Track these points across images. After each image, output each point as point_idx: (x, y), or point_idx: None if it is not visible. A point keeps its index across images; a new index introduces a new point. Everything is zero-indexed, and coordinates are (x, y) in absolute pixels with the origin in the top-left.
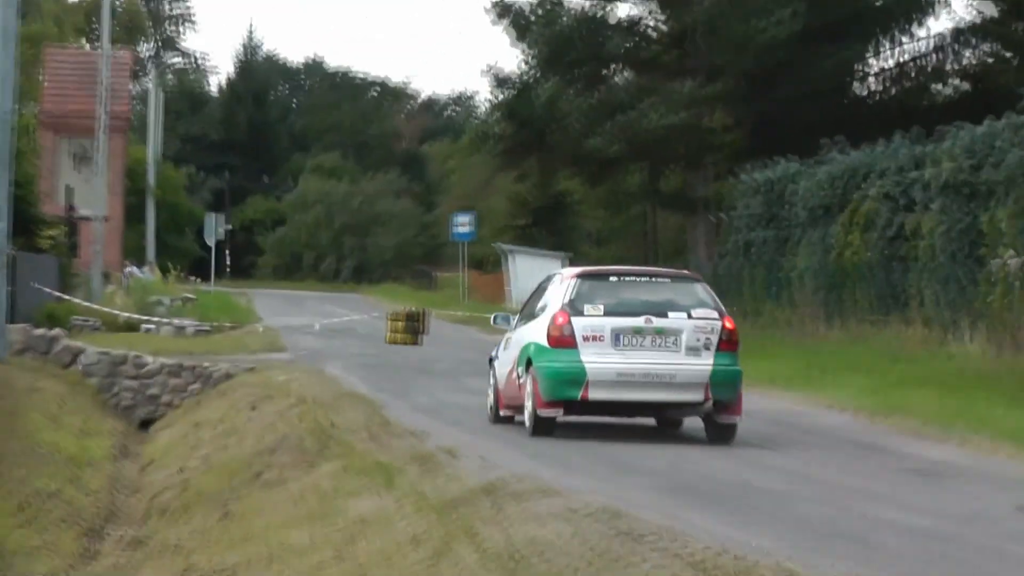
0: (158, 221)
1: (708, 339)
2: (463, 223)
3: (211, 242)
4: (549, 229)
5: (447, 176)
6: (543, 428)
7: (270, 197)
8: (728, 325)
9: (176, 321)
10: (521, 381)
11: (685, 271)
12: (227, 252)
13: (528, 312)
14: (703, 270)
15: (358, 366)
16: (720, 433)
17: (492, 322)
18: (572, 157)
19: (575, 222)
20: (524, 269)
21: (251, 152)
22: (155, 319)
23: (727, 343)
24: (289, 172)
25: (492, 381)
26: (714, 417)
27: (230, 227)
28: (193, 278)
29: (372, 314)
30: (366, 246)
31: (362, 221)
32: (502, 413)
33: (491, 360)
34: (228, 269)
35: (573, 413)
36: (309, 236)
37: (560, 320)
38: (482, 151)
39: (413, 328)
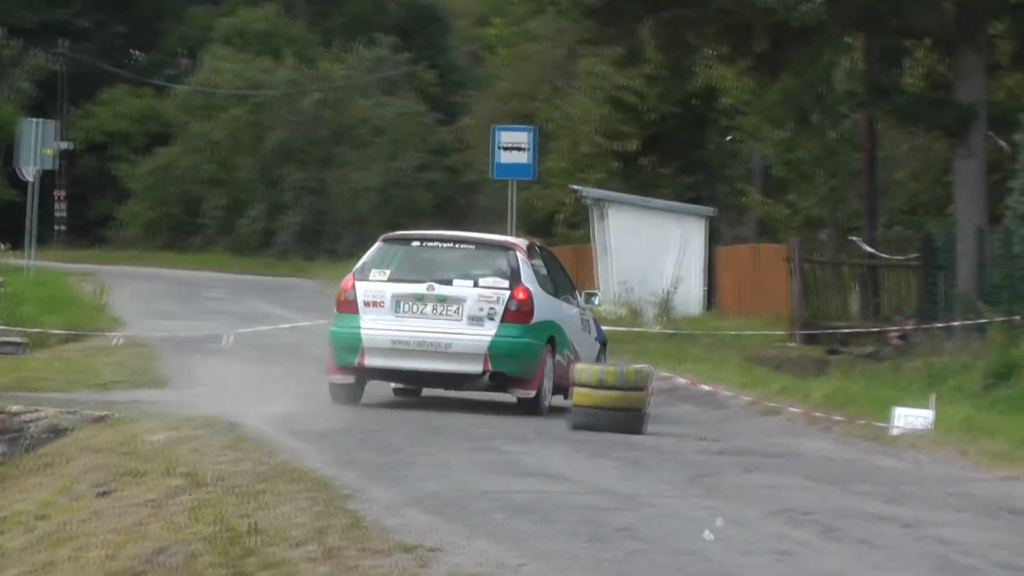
0: None
1: (493, 309)
2: (514, 146)
3: (29, 174)
4: (679, 162)
5: (485, 56)
6: (339, 396)
7: (144, 91)
8: (519, 296)
9: None
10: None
11: (502, 238)
12: (60, 195)
13: None
14: (968, 244)
15: (305, 417)
16: (524, 408)
17: None
18: (726, 23)
19: (729, 147)
20: (627, 232)
21: (109, 3)
22: None
23: (515, 314)
24: (181, 43)
25: None
26: (507, 390)
27: (68, 146)
28: None
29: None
30: (326, 187)
31: (321, 138)
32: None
33: None
34: (61, 227)
35: (359, 378)
36: (218, 166)
37: (346, 285)
38: (555, 8)
39: None
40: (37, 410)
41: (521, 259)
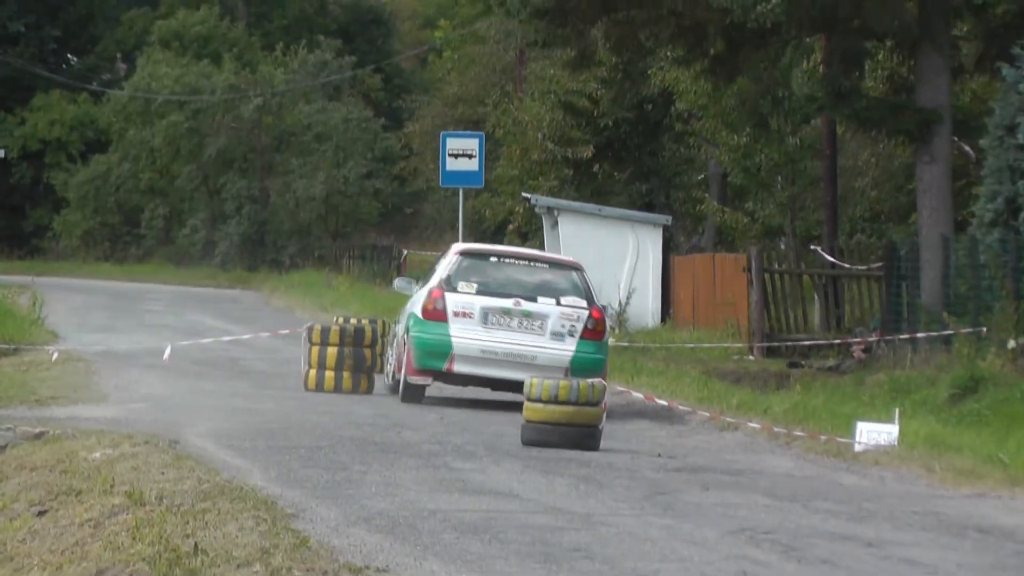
0: None
1: (573, 326)
2: (463, 153)
3: None
4: (633, 168)
5: (431, 59)
6: (412, 395)
7: (79, 96)
8: (595, 315)
9: None
10: (406, 347)
11: (567, 259)
12: None
13: (425, 280)
14: (933, 255)
15: (249, 434)
16: None
17: (394, 286)
18: (680, 24)
19: (684, 154)
20: (580, 241)
21: (42, 5)
22: None
23: (592, 332)
24: (117, 46)
25: (393, 345)
26: None
27: (1, 154)
28: None
29: (279, 331)
30: (268, 196)
31: (262, 145)
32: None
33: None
34: None
35: (441, 381)
36: (157, 175)
37: (435, 294)
38: (503, 9)
39: (360, 359)
40: None
41: (588, 279)
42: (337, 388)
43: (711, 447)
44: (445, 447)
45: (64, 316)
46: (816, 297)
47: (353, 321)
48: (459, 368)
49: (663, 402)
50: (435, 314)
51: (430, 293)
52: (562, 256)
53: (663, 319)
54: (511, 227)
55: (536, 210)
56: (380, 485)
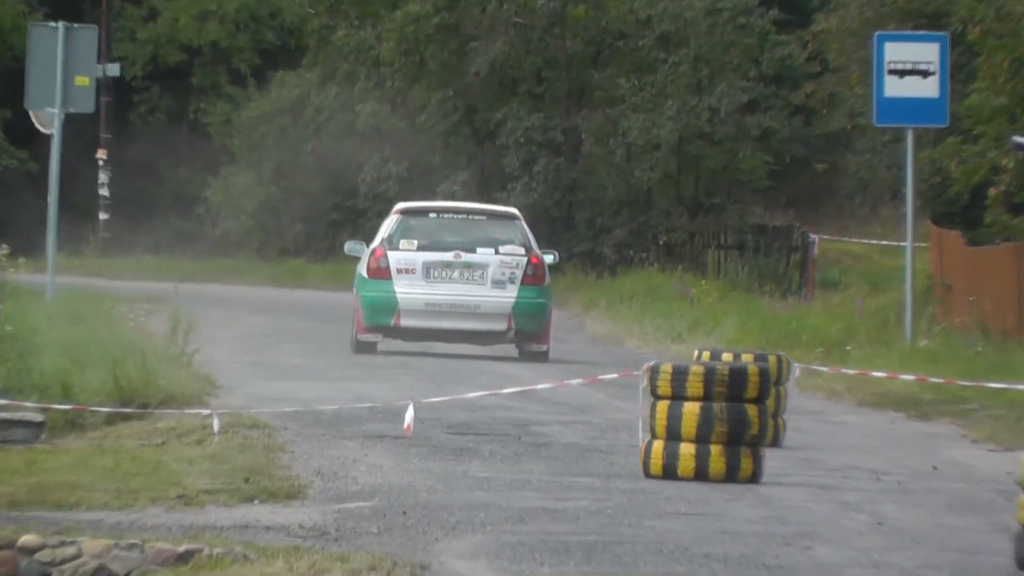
0: None
1: (513, 273)
2: (912, 68)
3: (47, 123)
4: None
5: None
6: (363, 349)
7: None
8: (534, 260)
9: None
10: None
11: (505, 208)
12: (102, 159)
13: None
14: None
15: (549, 552)
16: (531, 358)
17: (345, 249)
18: None
19: None
20: None
21: None
22: None
23: (532, 278)
24: None
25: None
26: (520, 345)
27: (117, 70)
28: None
29: (598, 376)
30: (578, 142)
31: (565, 58)
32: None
33: None
34: (104, 215)
35: (391, 337)
36: (383, 104)
37: (378, 253)
38: None
39: (740, 423)
40: (70, 543)
41: (526, 227)
42: (700, 473)
43: None
44: (885, 573)
45: (227, 351)
46: None
47: (727, 357)
48: (406, 322)
49: None
50: (379, 272)
51: (373, 253)
52: (501, 206)
53: None
54: (992, 191)
55: None
56: None
